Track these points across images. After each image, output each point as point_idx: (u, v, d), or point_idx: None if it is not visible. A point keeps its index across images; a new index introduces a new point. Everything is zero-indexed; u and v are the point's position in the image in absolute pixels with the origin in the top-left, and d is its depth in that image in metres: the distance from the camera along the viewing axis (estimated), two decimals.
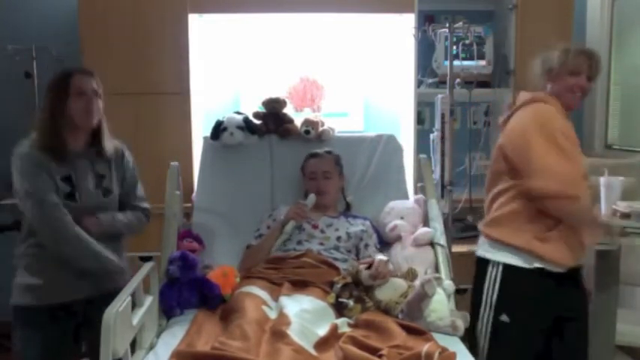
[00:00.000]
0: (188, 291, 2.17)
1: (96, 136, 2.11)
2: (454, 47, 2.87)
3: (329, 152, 2.70)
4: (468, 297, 2.29)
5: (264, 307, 2.03)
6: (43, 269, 2.02)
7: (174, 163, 2.59)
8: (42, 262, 2.02)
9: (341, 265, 2.38)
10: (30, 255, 2.05)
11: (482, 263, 2.15)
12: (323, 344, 1.83)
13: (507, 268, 2.07)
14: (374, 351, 1.74)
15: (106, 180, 2.13)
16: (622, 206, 2.38)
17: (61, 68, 2.11)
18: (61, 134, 2.01)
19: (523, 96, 2.16)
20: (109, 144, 2.14)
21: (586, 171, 2.07)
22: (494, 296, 2.08)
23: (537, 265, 2.04)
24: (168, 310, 2.13)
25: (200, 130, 3.07)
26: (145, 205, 2.27)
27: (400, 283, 2.13)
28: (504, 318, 2.06)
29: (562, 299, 2.08)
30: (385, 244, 2.55)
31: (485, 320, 2.10)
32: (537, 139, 1.97)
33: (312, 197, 2.57)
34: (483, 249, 2.17)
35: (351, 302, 2.08)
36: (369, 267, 2.14)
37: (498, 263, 2.09)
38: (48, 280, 2.02)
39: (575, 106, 2.10)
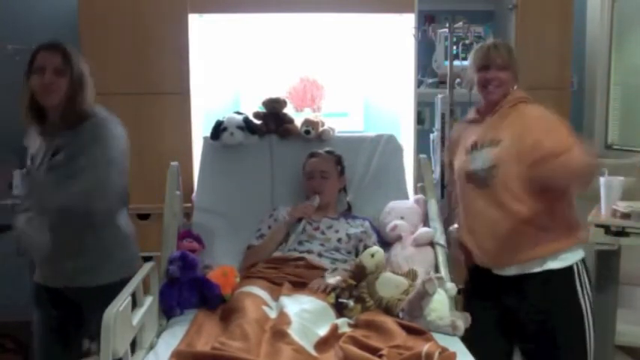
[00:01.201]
0: (188, 291, 2.17)
1: (68, 113, 1.95)
2: (454, 47, 2.88)
3: (330, 152, 2.70)
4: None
5: (265, 307, 2.03)
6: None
7: (174, 163, 2.59)
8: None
9: (341, 266, 2.39)
10: None
11: None
12: (323, 344, 1.83)
13: None
14: (374, 351, 1.74)
15: (59, 155, 1.93)
16: (622, 206, 2.38)
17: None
18: (32, 110, 1.97)
19: None
20: (83, 123, 1.94)
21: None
22: None
23: None
24: (168, 310, 2.13)
25: (200, 130, 3.06)
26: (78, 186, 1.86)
27: (402, 281, 2.14)
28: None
29: (496, 299, 2.11)
30: (385, 244, 2.54)
31: None
32: None
33: (316, 198, 2.57)
34: None
35: (351, 302, 2.08)
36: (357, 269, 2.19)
37: None
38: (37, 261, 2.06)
39: (489, 99, 2.11)
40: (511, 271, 2.05)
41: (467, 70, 2.18)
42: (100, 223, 2.00)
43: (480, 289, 2.16)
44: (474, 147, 2.10)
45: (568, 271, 2.03)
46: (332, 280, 2.24)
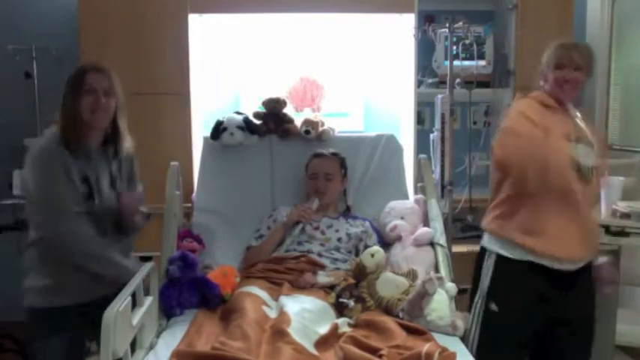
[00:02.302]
0: (188, 291, 2.17)
1: (111, 135, 2.08)
2: (454, 47, 2.88)
3: (334, 154, 2.69)
4: (468, 297, 2.28)
5: (264, 307, 2.03)
6: (56, 271, 1.99)
7: (174, 163, 2.59)
8: (56, 264, 1.99)
9: (341, 266, 2.39)
10: (42, 256, 2.01)
11: (482, 253, 2.18)
12: (323, 343, 1.83)
13: (500, 258, 2.09)
14: (374, 351, 1.74)
15: (117, 182, 2.11)
16: (622, 206, 2.38)
17: (77, 65, 2.09)
18: (77, 130, 1.99)
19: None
20: (125, 144, 2.12)
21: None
22: (486, 285, 2.11)
23: (528, 258, 2.04)
24: (168, 310, 2.13)
25: (200, 130, 3.07)
26: (144, 209, 2.22)
27: (402, 281, 2.14)
28: (493, 307, 2.08)
29: (553, 298, 2.06)
30: (385, 244, 2.54)
31: (477, 308, 2.12)
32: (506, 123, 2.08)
33: (315, 200, 2.57)
34: (485, 239, 2.19)
35: (351, 302, 2.08)
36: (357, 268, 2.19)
37: (492, 253, 2.12)
38: (63, 281, 1.99)
39: (565, 99, 2.10)
40: (580, 264, 2.07)
41: (542, 65, 2.14)
42: None
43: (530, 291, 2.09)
44: (572, 139, 2.06)
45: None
46: (323, 279, 2.24)
